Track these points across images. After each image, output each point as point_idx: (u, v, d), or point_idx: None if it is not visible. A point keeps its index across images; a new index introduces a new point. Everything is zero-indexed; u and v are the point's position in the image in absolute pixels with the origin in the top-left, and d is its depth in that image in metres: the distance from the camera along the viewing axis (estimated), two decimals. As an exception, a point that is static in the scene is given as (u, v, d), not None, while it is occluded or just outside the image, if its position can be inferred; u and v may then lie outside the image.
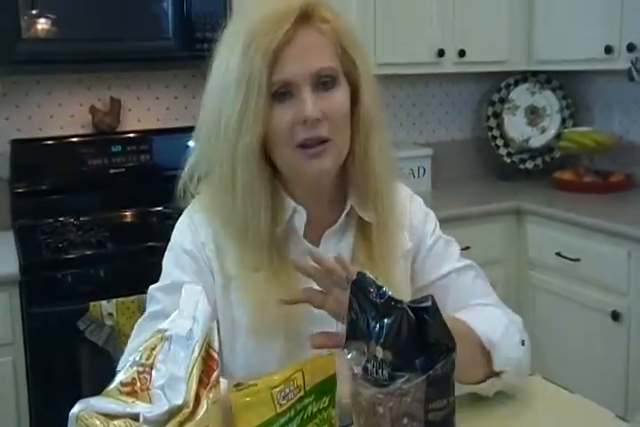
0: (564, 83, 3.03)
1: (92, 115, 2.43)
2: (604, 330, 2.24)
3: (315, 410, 0.78)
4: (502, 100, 3.01)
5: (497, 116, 3.02)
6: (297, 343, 0.98)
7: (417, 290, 1.08)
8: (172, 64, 2.49)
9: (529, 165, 3.04)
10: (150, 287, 1.05)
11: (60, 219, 2.24)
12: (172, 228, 1.08)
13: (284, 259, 1.00)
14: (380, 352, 0.73)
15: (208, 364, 0.74)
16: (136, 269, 1.96)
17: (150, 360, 0.74)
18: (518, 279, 2.59)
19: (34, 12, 2.04)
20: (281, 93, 0.94)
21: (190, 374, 0.71)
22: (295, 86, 0.94)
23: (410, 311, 0.72)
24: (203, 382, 0.72)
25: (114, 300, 1.91)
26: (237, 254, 1.00)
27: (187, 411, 0.69)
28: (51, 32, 2.08)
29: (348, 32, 1.00)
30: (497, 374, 0.99)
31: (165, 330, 0.76)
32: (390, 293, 0.75)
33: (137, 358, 0.75)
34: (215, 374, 0.73)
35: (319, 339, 0.91)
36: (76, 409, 0.69)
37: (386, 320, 0.74)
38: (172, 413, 0.68)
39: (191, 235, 1.03)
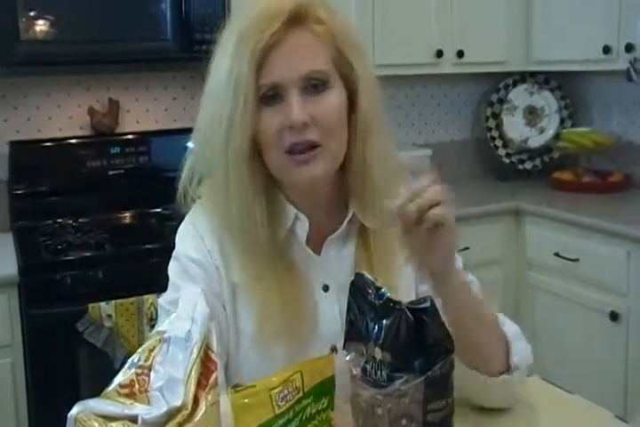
0: (562, 83, 3.03)
1: (91, 116, 2.43)
2: (603, 330, 2.25)
3: (313, 411, 0.77)
4: (501, 101, 3.02)
5: (496, 116, 3.02)
6: (300, 352, 0.96)
7: (421, 293, 1.06)
8: (170, 65, 2.49)
9: (528, 165, 3.04)
10: (160, 300, 1.02)
11: (59, 220, 2.24)
12: (172, 229, 1.07)
13: (286, 266, 0.99)
14: (378, 353, 0.74)
15: (207, 365, 0.74)
16: (135, 270, 1.96)
17: (149, 362, 0.74)
18: (517, 280, 2.59)
19: (32, 13, 2.04)
20: (269, 96, 0.92)
21: (189, 376, 0.71)
22: (283, 89, 0.92)
23: (408, 312, 0.73)
24: (201, 383, 0.72)
25: (113, 301, 1.91)
26: (241, 261, 0.99)
27: (185, 413, 0.69)
28: (49, 33, 2.08)
29: (345, 33, 0.97)
30: (510, 370, 0.97)
31: (164, 332, 0.76)
32: (389, 294, 0.75)
33: (135, 360, 0.75)
34: (214, 375, 0.73)
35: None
36: (74, 411, 0.69)
37: (384, 321, 0.74)
38: (171, 414, 0.68)
39: (196, 243, 1.01)
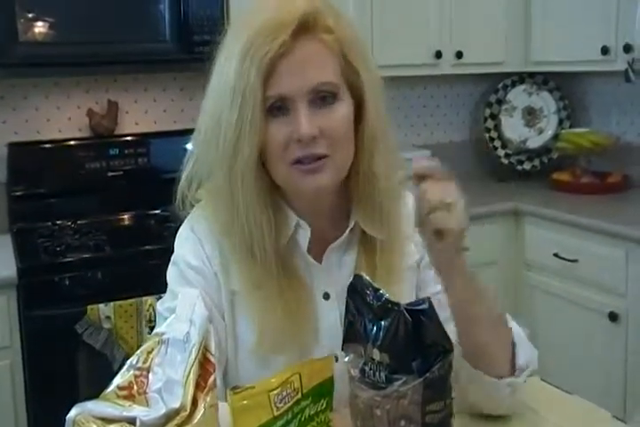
0: (560, 84, 3.03)
1: (90, 118, 2.43)
2: (602, 331, 2.25)
3: (312, 413, 0.77)
4: (499, 102, 3.02)
5: (494, 117, 3.02)
6: (299, 360, 0.93)
7: None
8: (169, 67, 2.49)
9: (526, 166, 3.04)
10: (158, 307, 1.01)
11: (58, 222, 2.24)
12: (171, 231, 1.07)
13: (287, 274, 0.97)
14: (377, 355, 0.74)
15: (205, 367, 0.74)
16: (134, 272, 1.96)
17: (147, 364, 0.74)
18: (516, 280, 2.59)
19: (30, 15, 2.04)
20: (277, 108, 0.91)
21: (187, 378, 0.71)
22: (291, 102, 0.90)
23: (406, 313, 0.73)
24: (200, 385, 0.72)
25: (111, 303, 1.91)
26: (241, 269, 0.97)
27: (184, 414, 0.69)
28: (48, 35, 2.08)
29: (352, 41, 0.94)
30: (516, 372, 0.96)
31: (162, 333, 0.76)
32: (387, 295, 0.75)
33: (134, 362, 0.75)
34: (212, 377, 0.73)
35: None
36: (72, 413, 0.69)
37: (383, 322, 0.74)
38: (169, 416, 0.68)
39: (195, 248, 1.00)
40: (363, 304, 0.77)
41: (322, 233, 1.00)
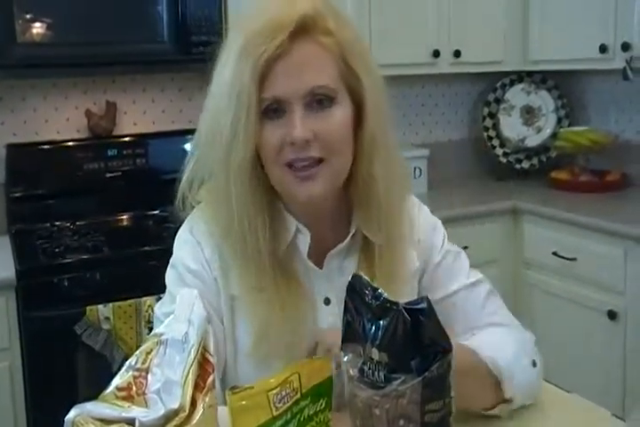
0: (559, 82, 3.03)
1: (88, 118, 2.43)
2: (601, 329, 2.25)
3: (311, 413, 0.77)
4: (498, 101, 3.02)
5: (493, 116, 3.02)
6: None
7: None
8: (167, 67, 2.49)
9: (525, 164, 3.04)
10: (156, 311, 1.01)
11: (57, 223, 2.24)
12: (170, 231, 1.06)
13: (288, 279, 0.97)
14: (375, 354, 0.73)
15: (204, 368, 0.74)
16: (133, 273, 1.96)
17: (146, 364, 0.74)
18: (515, 279, 2.59)
19: (28, 16, 2.04)
20: (272, 110, 0.90)
21: (186, 378, 0.71)
22: (287, 104, 0.89)
23: (405, 313, 0.72)
24: (199, 385, 0.72)
25: (110, 304, 1.90)
26: (241, 273, 0.97)
27: (183, 415, 0.69)
28: (46, 36, 2.07)
29: (353, 45, 0.93)
30: (508, 400, 0.95)
31: (161, 334, 0.76)
32: (386, 294, 0.75)
33: (133, 363, 0.75)
34: (211, 377, 0.73)
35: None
36: (71, 414, 0.69)
37: (381, 322, 0.74)
38: (168, 417, 0.68)
39: (194, 251, 0.99)
40: (361, 304, 0.76)
41: (322, 238, 0.99)
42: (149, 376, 0.72)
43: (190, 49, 2.23)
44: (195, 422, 0.69)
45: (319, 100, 0.90)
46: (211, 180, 0.97)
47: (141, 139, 2.49)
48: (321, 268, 1.01)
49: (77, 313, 1.88)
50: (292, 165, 0.91)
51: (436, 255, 1.06)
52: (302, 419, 0.76)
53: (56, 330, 1.88)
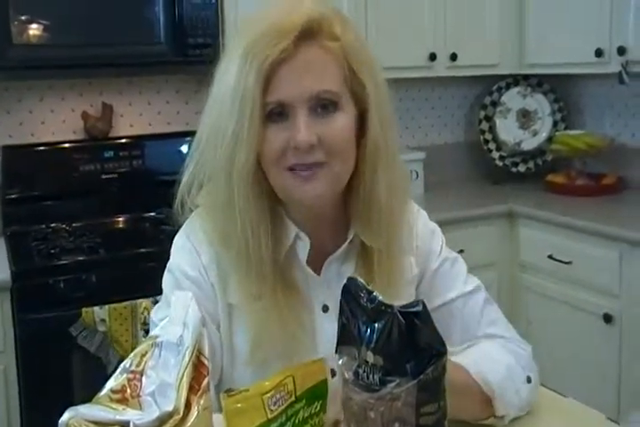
0: (555, 86, 3.04)
1: (84, 120, 2.43)
2: (597, 332, 2.25)
3: (306, 415, 0.77)
4: (494, 104, 3.02)
5: (489, 119, 3.03)
6: None
7: None
8: (163, 69, 2.49)
9: (521, 168, 3.05)
10: (152, 316, 1.00)
11: (52, 225, 2.23)
12: (166, 233, 1.06)
13: (286, 286, 0.96)
14: (370, 357, 0.73)
15: (199, 370, 0.74)
16: (129, 275, 1.96)
17: (140, 367, 0.73)
18: (511, 282, 2.60)
19: (24, 17, 2.03)
20: (277, 113, 0.89)
21: (181, 381, 0.70)
22: (290, 108, 0.89)
23: (400, 316, 0.73)
24: (193, 388, 0.71)
25: (106, 306, 1.90)
26: (240, 281, 0.96)
27: (177, 417, 0.69)
28: (42, 38, 2.07)
29: (358, 49, 0.92)
30: (499, 417, 0.95)
31: (156, 336, 0.76)
32: (381, 297, 0.75)
33: (127, 365, 0.75)
34: (206, 380, 0.72)
35: None
36: (65, 417, 0.69)
37: (376, 325, 0.74)
38: (163, 420, 0.68)
39: (192, 257, 0.98)
40: (356, 306, 0.76)
41: (321, 245, 0.99)
42: (144, 379, 0.72)
43: (187, 51, 2.24)
44: (189, 424, 0.68)
45: (323, 106, 0.90)
46: (210, 183, 0.96)
47: (137, 141, 2.49)
48: (319, 274, 1.00)
49: (73, 315, 1.88)
50: (294, 169, 0.90)
51: (434, 262, 1.06)
52: (297, 422, 0.76)
53: (51, 332, 1.87)
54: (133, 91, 2.54)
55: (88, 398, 0.74)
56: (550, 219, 2.43)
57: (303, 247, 0.98)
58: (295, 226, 0.97)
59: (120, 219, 2.37)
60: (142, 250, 2.02)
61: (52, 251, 2.01)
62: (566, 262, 2.34)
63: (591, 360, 2.28)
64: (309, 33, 0.88)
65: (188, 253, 0.99)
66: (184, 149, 2.52)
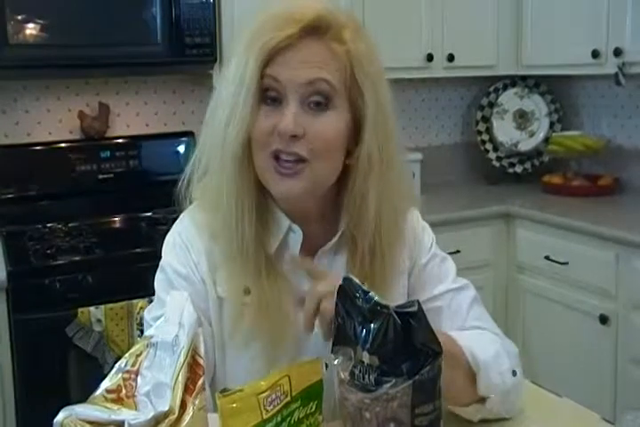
0: (552, 87, 3.05)
1: (81, 120, 2.42)
2: (592, 333, 2.25)
3: (301, 415, 0.77)
4: (491, 105, 3.03)
5: (486, 120, 3.03)
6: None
7: None
8: (160, 69, 2.49)
9: (518, 168, 3.05)
10: (145, 315, 1.00)
11: (48, 225, 2.22)
12: (162, 233, 1.05)
13: (276, 279, 0.96)
14: (366, 357, 0.74)
15: (194, 370, 0.74)
16: (125, 275, 1.95)
17: (136, 367, 0.73)
18: (507, 283, 2.60)
19: (20, 17, 2.03)
20: (271, 98, 0.91)
21: (176, 381, 0.70)
22: (283, 95, 0.90)
23: (396, 316, 0.73)
24: (189, 388, 0.71)
25: (102, 306, 1.90)
26: (229, 274, 0.96)
27: (172, 417, 0.69)
28: (38, 37, 2.07)
29: (365, 60, 0.92)
30: (482, 400, 0.95)
31: (151, 336, 0.76)
32: (377, 297, 0.75)
33: (122, 365, 0.75)
34: (201, 380, 0.72)
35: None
36: (60, 417, 0.69)
37: (372, 325, 0.74)
38: (158, 419, 0.68)
39: (183, 254, 0.99)
40: (352, 307, 0.77)
41: (312, 236, 0.99)
42: (139, 379, 0.72)
43: (184, 51, 2.23)
44: (184, 424, 0.68)
45: (317, 103, 0.91)
46: (205, 176, 0.97)
47: (134, 141, 2.49)
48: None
49: (69, 315, 1.88)
50: (278, 158, 0.91)
51: (424, 256, 1.06)
52: (292, 422, 0.76)
53: (47, 332, 1.87)
54: (130, 91, 2.53)
55: (84, 398, 0.74)
56: (547, 220, 2.43)
57: (295, 240, 0.98)
58: (288, 218, 0.97)
59: (116, 219, 2.36)
60: (138, 250, 2.01)
61: (48, 251, 2.00)
62: (562, 263, 2.34)
63: (587, 361, 2.28)
64: (316, 29, 0.90)
65: (179, 250, 0.99)
66: (181, 149, 2.52)
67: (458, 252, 2.33)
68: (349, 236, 0.99)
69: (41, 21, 2.06)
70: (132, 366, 0.74)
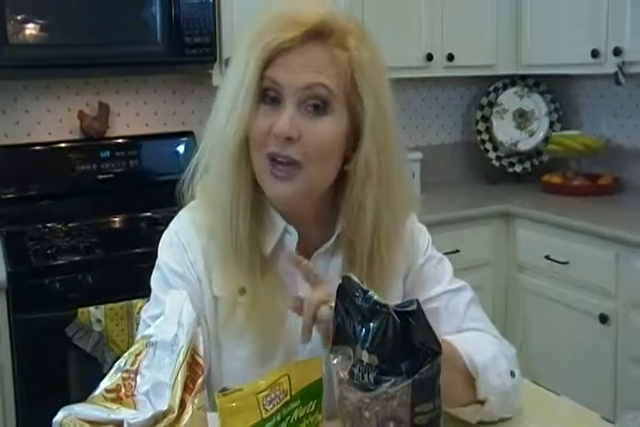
0: (551, 86, 3.05)
1: (81, 120, 2.42)
2: (592, 333, 2.25)
3: (301, 415, 0.77)
4: (491, 104, 3.03)
5: (486, 119, 3.03)
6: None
7: None
8: (160, 69, 2.48)
9: (517, 168, 3.05)
10: (142, 314, 1.00)
11: (48, 225, 2.22)
12: (161, 233, 1.06)
13: (272, 280, 0.96)
14: (365, 356, 0.73)
15: (193, 369, 0.74)
16: (124, 275, 1.95)
17: (135, 366, 0.73)
18: (507, 282, 2.60)
19: (20, 17, 2.03)
20: (270, 97, 0.91)
21: (175, 380, 0.70)
22: (282, 96, 0.90)
23: (395, 315, 0.73)
24: (188, 387, 0.72)
25: (102, 306, 1.90)
26: (225, 274, 0.96)
27: (172, 417, 0.69)
28: (38, 37, 2.07)
29: (368, 68, 0.92)
30: (481, 402, 0.95)
31: (150, 336, 0.76)
32: (376, 297, 0.75)
33: (122, 365, 0.75)
34: (200, 379, 0.72)
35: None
36: (59, 416, 0.69)
37: (371, 324, 0.74)
38: (157, 419, 0.68)
39: (180, 253, 0.99)
40: (351, 306, 0.76)
41: (308, 238, 0.99)
42: (138, 378, 0.72)
43: (184, 51, 2.23)
44: (183, 423, 0.68)
45: (315, 106, 0.90)
46: (207, 173, 0.97)
47: (134, 141, 2.48)
48: None
49: (69, 315, 1.88)
50: (274, 159, 0.91)
51: (420, 258, 1.06)
52: (292, 421, 0.76)
53: (47, 332, 1.87)
54: (130, 90, 2.53)
55: (84, 397, 0.74)
56: (547, 219, 2.43)
57: (291, 241, 0.98)
58: (284, 220, 0.97)
59: (116, 219, 2.36)
60: (138, 250, 2.01)
61: (48, 251, 2.00)
62: (563, 263, 2.34)
63: (587, 360, 2.28)
64: (319, 33, 0.90)
65: (176, 249, 0.99)
66: (180, 149, 2.52)
67: (457, 251, 2.33)
68: (346, 239, 0.98)
69: (41, 21, 2.06)
70: (132, 365, 0.74)
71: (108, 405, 0.70)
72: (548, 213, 2.45)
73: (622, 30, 2.38)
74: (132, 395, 0.71)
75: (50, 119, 2.42)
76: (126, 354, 0.75)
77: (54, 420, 0.69)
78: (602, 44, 2.44)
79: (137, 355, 0.74)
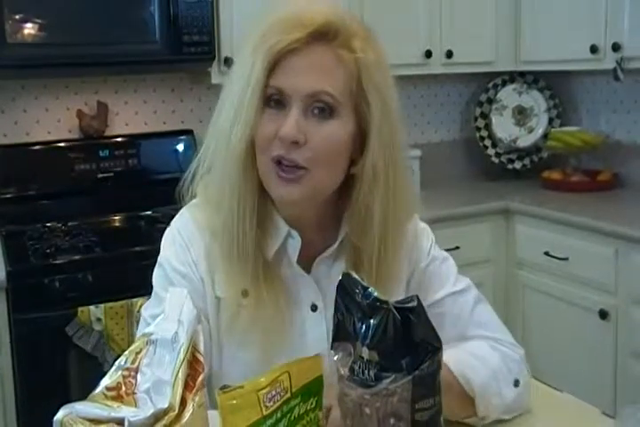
0: (550, 83, 3.05)
1: (80, 119, 2.42)
2: (592, 328, 2.26)
3: (302, 412, 0.77)
4: (490, 101, 3.03)
5: (485, 116, 3.03)
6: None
7: None
8: (159, 68, 2.48)
9: (517, 164, 3.05)
10: (143, 311, 1.00)
11: (48, 224, 2.22)
12: (161, 232, 1.05)
13: (274, 284, 0.96)
14: (366, 353, 0.73)
15: (194, 367, 0.74)
16: (124, 273, 1.95)
17: (135, 364, 0.73)
18: (507, 279, 2.60)
19: (18, 16, 2.02)
20: (275, 100, 0.90)
21: (176, 378, 0.70)
22: (287, 100, 0.89)
23: (395, 312, 0.73)
24: (188, 385, 0.72)
25: (102, 305, 1.90)
26: (227, 277, 0.96)
27: (172, 414, 0.69)
28: (36, 37, 2.07)
29: (374, 70, 0.91)
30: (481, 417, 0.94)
31: (150, 334, 0.76)
32: (376, 293, 0.75)
33: (122, 363, 0.75)
34: (201, 377, 0.72)
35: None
36: (60, 415, 0.69)
37: (372, 321, 0.74)
38: (158, 417, 0.68)
39: (182, 252, 0.98)
40: (352, 302, 0.76)
41: (311, 242, 0.98)
42: (139, 376, 0.72)
43: (182, 49, 2.23)
44: (184, 421, 0.68)
45: (321, 109, 0.90)
46: (209, 173, 0.97)
47: (133, 139, 2.48)
48: (309, 273, 1.00)
49: (69, 314, 1.88)
50: (280, 163, 0.90)
51: (423, 260, 1.05)
52: (292, 418, 0.76)
53: (47, 331, 1.87)
54: (129, 89, 2.53)
55: (84, 397, 0.74)
56: (546, 215, 2.43)
57: (294, 246, 0.97)
58: (287, 223, 0.97)
59: (116, 218, 2.36)
60: (138, 249, 2.01)
61: (48, 250, 2.00)
62: (562, 259, 2.34)
63: (587, 356, 2.29)
64: (324, 34, 0.89)
65: (179, 248, 0.99)
66: (180, 147, 2.52)
67: (457, 248, 2.33)
68: (350, 244, 0.97)
69: (39, 20, 2.06)
70: (132, 363, 0.74)
71: (109, 403, 0.70)
72: (548, 209, 2.45)
73: (621, 26, 2.38)
74: (133, 393, 0.71)
75: (49, 118, 2.42)
76: (127, 352, 0.75)
77: (55, 418, 0.69)
78: (600, 40, 2.44)
79: (137, 353, 0.74)
